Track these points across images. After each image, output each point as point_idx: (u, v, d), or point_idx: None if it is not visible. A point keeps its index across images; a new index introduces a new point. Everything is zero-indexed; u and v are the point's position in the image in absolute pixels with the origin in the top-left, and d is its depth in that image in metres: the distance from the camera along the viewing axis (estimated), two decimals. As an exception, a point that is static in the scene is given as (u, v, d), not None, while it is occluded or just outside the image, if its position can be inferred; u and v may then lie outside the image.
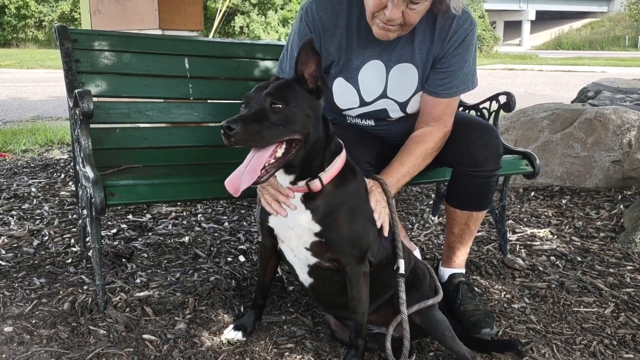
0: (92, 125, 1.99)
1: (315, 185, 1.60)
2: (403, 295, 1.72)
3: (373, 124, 2.12)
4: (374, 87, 2.01)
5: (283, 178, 1.61)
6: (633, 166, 3.70)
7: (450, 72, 1.95)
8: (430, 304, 1.79)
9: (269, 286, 1.96)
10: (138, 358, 1.76)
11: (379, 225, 1.72)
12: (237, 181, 1.48)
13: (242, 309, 2.08)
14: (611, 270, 2.52)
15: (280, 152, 1.51)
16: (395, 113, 2.07)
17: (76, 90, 1.88)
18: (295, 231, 1.66)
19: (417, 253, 2.27)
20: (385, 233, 1.74)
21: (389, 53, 1.96)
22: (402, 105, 2.04)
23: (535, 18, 47.15)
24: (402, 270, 1.74)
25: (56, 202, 3.31)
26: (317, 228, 1.63)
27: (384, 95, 2.02)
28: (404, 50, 1.96)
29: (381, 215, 1.73)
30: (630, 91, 5.18)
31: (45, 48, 29.67)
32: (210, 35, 9.09)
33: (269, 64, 2.62)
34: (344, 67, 1.99)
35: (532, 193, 3.69)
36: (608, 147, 3.73)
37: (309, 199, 1.62)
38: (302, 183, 1.60)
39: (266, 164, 1.49)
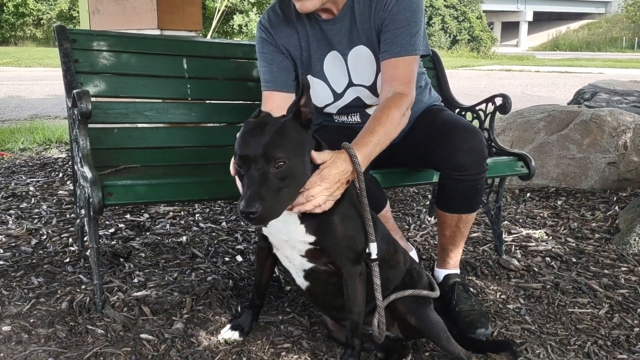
0: (90, 125, 2.00)
1: None
2: (377, 281, 1.68)
3: (359, 119, 2.16)
4: (340, 77, 2.08)
5: None
6: (628, 168, 3.72)
7: (390, 32, 1.94)
8: (418, 293, 1.80)
9: (266, 286, 1.97)
10: (136, 357, 1.77)
11: (300, 207, 1.52)
12: None
13: (239, 309, 2.09)
14: (606, 271, 2.54)
15: None
16: (369, 99, 2.10)
17: (74, 91, 1.89)
18: (290, 243, 1.67)
19: (413, 254, 2.28)
20: (301, 209, 1.54)
21: (340, 41, 2.03)
22: (371, 89, 2.08)
23: (533, 19, 47.22)
24: (374, 255, 1.67)
25: (54, 201, 3.32)
26: (311, 239, 1.63)
27: (350, 84, 2.08)
28: (352, 35, 2.01)
29: (307, 200, 1.52)
30: (626, 93, 5.21)
31: (43, 46, 29.61)
32: (209, 35, 9.10)
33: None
34: (308, 65, 2.07)
35: (528, 194, 3.71)
36: (604, 149, 3.75)
37: (305, 214, 1.59)
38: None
39: None
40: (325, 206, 1.56)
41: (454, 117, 2.19)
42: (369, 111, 2.12)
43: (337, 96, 2.09)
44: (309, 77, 2.09)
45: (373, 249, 1.67)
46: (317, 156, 1.55)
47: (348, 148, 1.63)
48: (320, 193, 1.54)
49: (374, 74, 2.05)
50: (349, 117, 2.16)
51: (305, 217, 1.61)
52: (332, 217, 1.62)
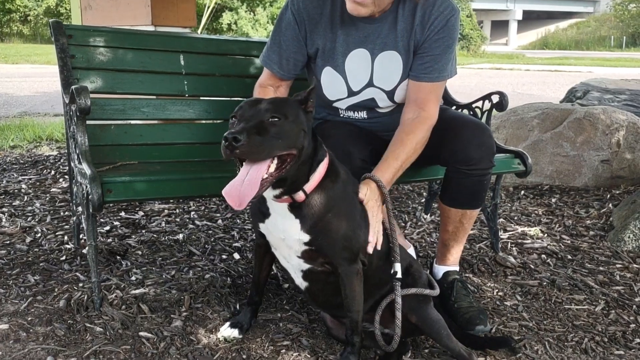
0: (87, 122, 1.98)
1: (299, 196, 1.59)
2: (399, 300, 1.73)
3: (365, 116, 2.15)
4: (361, 75, 2.04)
5: (268, 192, 1.58)
6: (621, 165, 3.75)
7: (431, 56, 1.97)
8: (421, 292, 1.82)
9: (264, 283, 1.97)
10: (135, 355, 1.76)
11: (373, 244, 1.72)
12: (236, 193, 1.45)
13: (237, 307, 2.09)
14: (601, 268, 2.56)
15: (273, 167, 1.49)
16: (383, 102, 2.09)
17: (73, 87, 1.87)
18: (286, 242, 1.67)
19: (411, 251, 2.29)
20: (379, 246, 1.74)
21: (373, 41, 1.99)
22: (390, 94, 2.07)
23: (522, 18, 47.46)
24: (399, 275, 1.75)
25: (47, 199, 3.29)
26: (306, 238, 1.63)
27: (370, 84, 2.05)
28: (387, 38, 1.99)
29: (378, 233, 1.74)
30: (618, 91, 5.24)
31: (30, 43, 29.36)
32: (199, 32, 9.05)
33: (264, 61, 2.62)
34: (330, 56, 2.03)
35: (522, 192, 3.72)
36: (597, 147, 3.78)
37: (295, 207, 1.61)
38: (286, 196, 1.59)
39: (262, 179, 1.46)
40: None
41: (462, 114, 2.23)
42: (379, 110, 2.12)
43: (352, 93, 2.07)
44: (328, 68, 2.05)
45: (398, 268, 1.76)
46: (361, 193, 1.75)
47: (371, 177, 1.81)
48: (376, 224, 1.74)
49: (397, 81, 2.04)
50: (356, 113, 2.15)
51: (298, 212, 1.61)
52: (326, 215, 1.62)
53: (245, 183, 1.45)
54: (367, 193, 1.76)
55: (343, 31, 1.99)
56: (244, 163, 1.48)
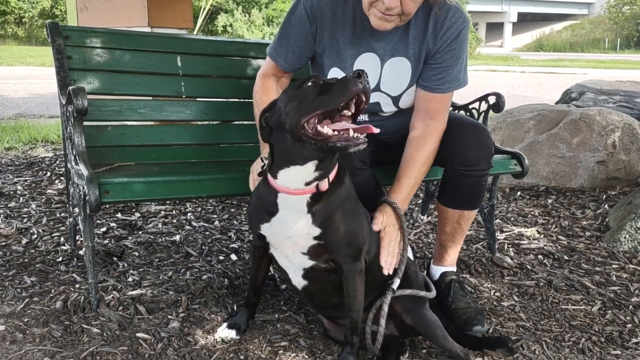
0: (83, 123, 1.97)
1: (324, 184, 1.59)
2: (386, 308, 1.77)
3: (367, 119, 2.14)
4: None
5: (305, 175, 1.57)
6: (617, 167, 3.77)
7: (443, 67, 1.98)
8: (417, 294, 1.84)
9: (261, 284, 1.96)
10: (132, 356, 1.75)
11: (387, 267, 1.79)
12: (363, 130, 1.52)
13: (235, 308, 2.09)
14: (597, 268, 2.57)
15: None
16: (388, 107, 2.09)
17: (70, 87, 1.86)
18: (292, 239, 1.66)
19: (409, 252, 2.29)
20: (390, 270, 1.81)
21: (384, 46, 1.98)
22: (395, 100, 2.06)
23: (517, 20, 47.62)
24: (395, 286, 1.80)
25: (43, 200, 3.28)
26: (316, 232, 1.63)
27: (377, 88, 2.04)
28: (398, 44, 1.98)
29: (393, 259, 1.82)
30: (613, 93, 5.27)
31: (25, 45, 29.30)
32: (194, 34, 9.04)
33: (261, 62, 2.60)
34: (338, 57, 2.01)
35: (519, 193, 3.73)
36: (593, 148, 3.79)
37: (313, 201, 1.61)
38: (314, 184, 1.59)
39: None
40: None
41: (460, 115, 2.24)
42: (381, 114, 2.11)
43: None
44: (335, 69, 2.03)
45: (396, 284, 1.81)
46: (376, 225, 1.81)
47: (386, 201, 1.88)
48: (394, 247, 1.83)
49: (404, 88, 2.04)
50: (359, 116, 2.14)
51: (311, 206, 1.61)
52: (337, 211, 1.63)
53: (357, 128, 1.52)
54: (384, 220, 1.82)
55: (354, 34, 1.97)
56: (322, 127, 1.49)
